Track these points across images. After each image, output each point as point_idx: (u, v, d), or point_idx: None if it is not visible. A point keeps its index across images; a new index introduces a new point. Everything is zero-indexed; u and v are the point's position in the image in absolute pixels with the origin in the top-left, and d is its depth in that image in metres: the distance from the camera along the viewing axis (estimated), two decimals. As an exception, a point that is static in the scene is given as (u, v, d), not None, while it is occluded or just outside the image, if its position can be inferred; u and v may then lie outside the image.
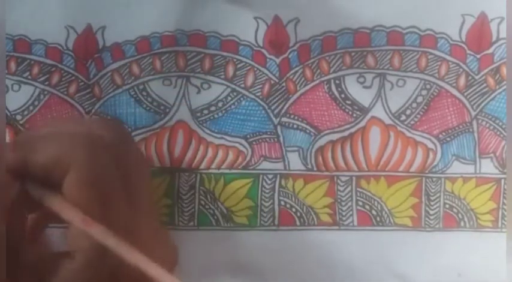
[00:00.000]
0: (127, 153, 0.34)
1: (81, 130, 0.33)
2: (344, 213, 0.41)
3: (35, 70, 0.42)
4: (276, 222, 0.41)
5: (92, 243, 0.30)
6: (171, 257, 0.36)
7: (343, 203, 0.41)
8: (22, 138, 0.34)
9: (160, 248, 0.35)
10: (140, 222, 0.33)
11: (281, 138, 0.41)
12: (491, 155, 0.41)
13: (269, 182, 0.41)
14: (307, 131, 0.41)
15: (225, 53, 0.41)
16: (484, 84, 0.41)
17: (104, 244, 0.30)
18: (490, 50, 0.41)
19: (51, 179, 0.31)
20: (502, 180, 0.41)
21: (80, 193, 0.31)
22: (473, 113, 0.41)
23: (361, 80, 0.41)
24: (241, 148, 0.41)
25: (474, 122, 0.41)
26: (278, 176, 0.41)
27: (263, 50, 0.41)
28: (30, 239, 0.34)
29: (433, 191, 0.41)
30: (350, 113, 0.41)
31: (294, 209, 0.41)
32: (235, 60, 0.41)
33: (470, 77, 0.41)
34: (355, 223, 0.41)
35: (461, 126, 0.41)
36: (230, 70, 0.41)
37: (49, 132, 0.33)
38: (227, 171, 0.41)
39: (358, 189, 0.41)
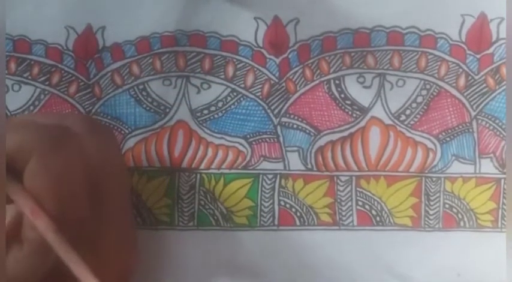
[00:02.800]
0: (100, 152, 0.33)
1: (50, 121, 0.33)
2: (344, 213, 0.41)
3: (35, 70, 0.42)
4: (276, 222, 0.41)
5: (38, 234, 0.30)
6: (129, 263, 0.35)
7: (343, 203, 0.41)
8: None
9: (120, 251, 0.34)
10: (102, 221, 0.33)
11: (281, 138, 0.41)
12: (491, 155, 0.41)
13: (269, 182, 0.41)
14: (307, 131, 0.41)
15: (225, 53, 0.41)
16: (484, 85, 0.41)
17: (44, 237, 0.29)
18: (490, 50, 0.41)
19: (15, 167, 0.31)
20: (502, 180, 0.41)
21: (35, 182, 0.30)
22: (473, 113, 0.41)
23: (361, 80, 0.41)
24: (241, 148, 0.41)
25: (474, 122, 0.41)
26: (278, 176, 0.41)
27: (263, 50, 0.41)
28: None
29: (432, 191, 0.41)
30: (350, 113, 0.41)
31: (293, 209, 0.41)
32: (235, 60, 0.42)
33: (470, 77, 0.41)
34: (355, 223, 0.41)
35: (461, 126, 0.41)
36: (230, 70, 0.42)
37: (18, 122, 0.33)
38: (227, 171, 0.41)
39: (358, 189, 0.41)
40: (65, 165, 0.31)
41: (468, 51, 0.41)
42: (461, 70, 0.41)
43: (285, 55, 0.41)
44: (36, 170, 0.30)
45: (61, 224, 0.30)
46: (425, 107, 0.41)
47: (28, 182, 0.30)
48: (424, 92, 0.41)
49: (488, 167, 0.41)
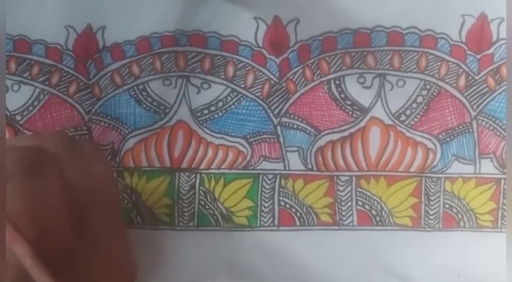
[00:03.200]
0: (82, 171, 0.33)
1: (28, 144, 0.32)
2: (344, 213, 0.41)
3: (35, 70, 0.42)
4: (276, 222, 0.41)
5: (18, 260, 0.29)
6: (128, 278, 0.35)
7: (343, 203, 0.41)
8: None
9: (115, 270, 0.34)
10: (91, 241, 0.32)
11: (281, 138, 0.41)
12: (491, 155, 0.41)
13: (269, 182, 0.41)
14: (307, 131, 0.41)
15: (225, 53, 0.41)
16: (484, 85, 0.41)
17: (22, 263, 0.29)
18: (490, 51, 0.41)
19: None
20: (502, 181, 0.41)
21: (13, 206, 0.30)
22: (473, 113, 0.41)
23: (361, 80, 0.41)
24: (241, 148, 0.41)
25: (474, 122, 0.41)
26: (278, 176, 0.41)
27: (263, 50, 0.41)
28: None
29: (432, 191, 0.41)
30: (350, 113, 0.41)
31: (293, 209, 0.41)
32: (235, 60, 0.41)
33: (470, 77, 0.41)
34: (355, 223, 0.41)
35: (461, 127, 0.41)
36: (230, 70, 0.41)
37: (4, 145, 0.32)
38: (227, 171, 0.41)
39: (358, 189, 0.41)
40: (42, 188, 0.30)
41: (468, 52, 0.41)
42: (461, 70, 0.41)
43: (285, 55, 0.41)
44: (12, 195, 0.30)
45: (42, 249, 0.29)
46: (425, 107, 0.41)
47: (8, 205, 0.30)
48: (424, 92, 0.41)
49: (488, 167, 0.41)
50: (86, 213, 0.32)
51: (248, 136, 0.42)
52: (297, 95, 0.41)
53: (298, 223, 0.41)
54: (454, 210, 0.41)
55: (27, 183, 0.30)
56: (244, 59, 0.41)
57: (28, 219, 0.30)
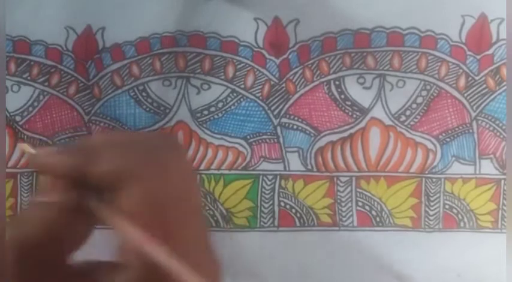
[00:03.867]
0: (184, 173, 0.31)
1: (147, 143, 0.31)
2: (344, 214, 0.41)
3: (35, 71, 0.42)
4: (276, 223, 0.41)
5: (145, 260, 0.28)
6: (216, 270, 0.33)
7: (343, 204, 0.41)
8: (82, 145, 0.31)
9: (203, 269, 0.33)
10: (188, 240, 0.31)
11: (281, 139, 0.41)
12: (491, 155, 0.41)
13: (269, 182, 0.41)
14: (307, 132, 0.41)
15: (225, 54, 0.41)
16: (484, 85, 0.41)
17: (157, 262, 0.28)
18: (490, 51, 0.41)
19: (112, 189, 0.29)
20: (502, 181, 0.41)
21: (140, 208, 0.29)
22: (473, 114, 0.41)
23: (361, 80, 0.41)
24: (241, 149, 0.41)
25: (474, 123, 0.41)
26: (278, 176, 0.41)
27: (263, 51, 0.41)
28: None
29: (432, 191, 0.41)
30: (350, 113, 0.41)
31: (293, 210, 0.41)
32: (235, 60, 0.41)
33: (470, 78, 0.41)
34: (355, 224, 0.41)
35: (461, 127, 0.41)
36: (230, 71, 0.41)
37: (113, 141, 0.31)
38: (227, 172, 0.41)
39: (358, 189, 0.41)
40: (167, 190, 0.29)
41: (468, 52, 0.41)
42: (461, 71, 0.41)
43: (285, 56, 0.41)
44: (140, 195, 0.29)
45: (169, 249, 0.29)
46: (425, 108, 0.41)
47: (130, 206, 0.29)
48: (424, 93, 0.41)
49: (488, 167, 0.41)
50: (193, 212, 0.31)
51: (248, 137, 0.41)
52: (297, 95, 0.41)
53: (298, 224, 0.41)
54: (454, 210, 0.41)
55: (156, 185, 0.29)
56: (244, 60, 0.41)
57: (155, 222, 0.29)
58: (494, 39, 0.41)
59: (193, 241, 0.31)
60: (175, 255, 0.28)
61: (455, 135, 0.41)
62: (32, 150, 0.31)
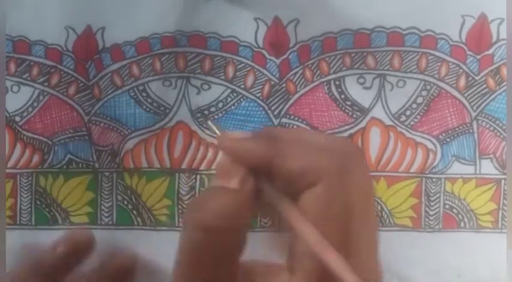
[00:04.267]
0: (363, 178, 0.31)
1: (333, 146, 0.31)
2: (344, 214, 0.41)
3: (35, 71, 0.41)
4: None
5: (317, 266, 0.28)
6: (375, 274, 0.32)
7: (343, 204, 0.41)
8: (268, 137, 0.31)
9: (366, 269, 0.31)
10: (362, 249, 0.30)
11: (281, 139, 0.41)
12: (491, 155, 0.41)
13: (269, 183, 0.41)
14: (307, 132, 0.41)
15: (225, 54, 0.41)
16: (484, 85, 0.41)
17: (331, 271, 0.27)
18: (490, 51, 0.41)
19: (294, 187, 0.29)
20: (502, 181, 0.41)
21: (321, 210, 0.28)
22: (474, 114, 0.41)
23: (361, 80, 0.41)
24: (241, 149, 0.41)
25: (474, 123, 0.41)
26: (278, 176, 0.41)
27: (263, 51, 0.41)
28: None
29: (433, 191, 0.41)
30: (350, 113, 0.41)
31: (294, 210, 0.41)
32: (235, 61, 0.41)
33: (470, 78, 0.41)
34: (355, 224, 0.41)
35: (461, 127, 0.41)
36: (230, 71, 0.41)
37: (302, 139, 0.31)
38: (227, 172, 0.41)
39: (358, 189, 0.41)
40: (349, 194, 0.29)
41: (468, 52, 0.41)
42: (461, 71, 0.41)
43: (285, 56, 0.41)
44: (322, 197, 0.28)
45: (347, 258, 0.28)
46: (425, 108, 0.41)
47: (311, 207, 0.28)
48: (424, 93, 0.41)
49: (488, 167, 0.41)
50: (370, 221, 0.31)
51: (248, 137, 0.41)
52: (297, 95, 0.41)
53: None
54: (455, 210, 0.41)
55: (338, 188, 0.29)
56: (244, 60, 0.41)
57: (334, 224, 0.28)
58: (494, 39, 0.41)
59: (367, 249, 0.30)
60: (350, 262, 0.27)
61: (456, 135, 0.41)
62: (218, 132, 0.30)
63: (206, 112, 0.41)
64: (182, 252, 0.29)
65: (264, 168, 0.29)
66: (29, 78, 0.42)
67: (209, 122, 0.35)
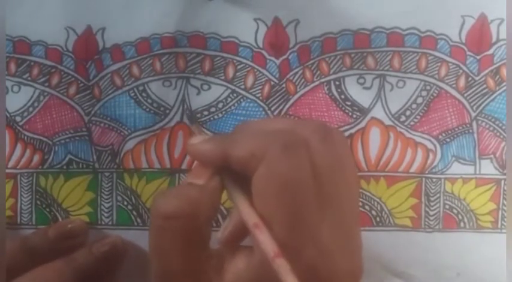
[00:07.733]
0: (328, 160, 0.31)
1: (281, 127, 0.32)
2: (344, 214, 0.41)
3: (35, 71, 0.42)
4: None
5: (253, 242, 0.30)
6: (356, 266, 0.33)
7: (343, 204, 0.41)
8: (224, 135, 0.34)
9: (346, 254, 0.32)
10: (329, 225, 0.31)
11: (281, 139, 0.41)
12: (491, 156, 0.41)
13: (269, 183, 0.41)
14: (307, 132, 0.41)
15: (225, 54, 0.41)
16: (484, 85, 0.41)
17: (264, 250, 0.29)
18: (490, 51, 0.41)
19: (248, 174, 0.30)
20: (502, 181, 0.41)
21: (263, 188, 0.30)
22: (473, 114, 0.41)
23: (361, 81, 0.41)
24: (241, 149, 0.41)
25: (474, 123, 0.41)
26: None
27: (263, 51, 0.41)
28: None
29: (432, 191, 0.41)
30: (350, 114, 0.41)
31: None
32: (235, 61, 0.41)
33: (470, 78, 0.41)
34: (355, 224, 0.41)
35: (461, 127, 0.41)
36: (230, 71, 0.41)
37: (249, 127, 0.33)
38: (227, 172, 0.41)
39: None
40: (293, 171, 0.30)
41: (468, 52, 0.41)
42: (461, 71, 0.41)
43: (285, 56, 0.41)
44: (265, 176, 0.30)
45: (290, 234, 0.29)
46: (425, 108, 0.41)
47: (256, 187, 0.30)
48: (424, 93, 0.41)
49: (488, 168, 0.41)
50: (330, 202, 0.31)
51: (248, 137, 0.41)
52: (297, 96, 0.41)
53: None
54: (454, 211, 0.41)
55: (279, 165, 0.30)
56: (244, 60, 0.41)
57: (278, 202, 0.30)
58: (494, 39, 0.41)
59: (333, 226, 0.31)
60: (300, 239, 0.29)
61: (455, 135, 0.41)
62: (195, 138, 0.33)
63: (206, 112, 0.42)
64: (149, 240, 0.31)
65: (224, 164, 0.31)
66: (29, 78, 0.42)
67: (193, 126, 0.39)
